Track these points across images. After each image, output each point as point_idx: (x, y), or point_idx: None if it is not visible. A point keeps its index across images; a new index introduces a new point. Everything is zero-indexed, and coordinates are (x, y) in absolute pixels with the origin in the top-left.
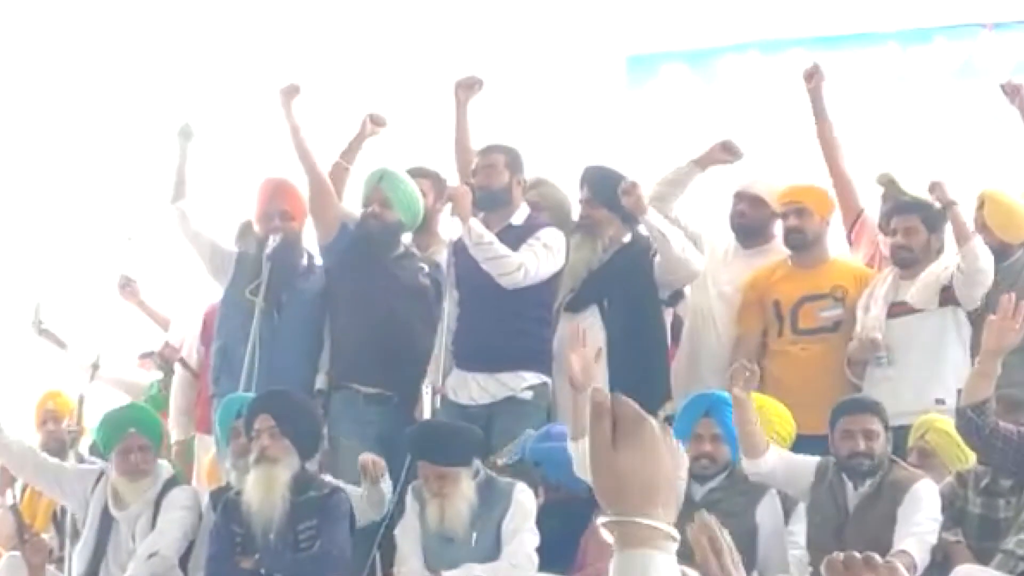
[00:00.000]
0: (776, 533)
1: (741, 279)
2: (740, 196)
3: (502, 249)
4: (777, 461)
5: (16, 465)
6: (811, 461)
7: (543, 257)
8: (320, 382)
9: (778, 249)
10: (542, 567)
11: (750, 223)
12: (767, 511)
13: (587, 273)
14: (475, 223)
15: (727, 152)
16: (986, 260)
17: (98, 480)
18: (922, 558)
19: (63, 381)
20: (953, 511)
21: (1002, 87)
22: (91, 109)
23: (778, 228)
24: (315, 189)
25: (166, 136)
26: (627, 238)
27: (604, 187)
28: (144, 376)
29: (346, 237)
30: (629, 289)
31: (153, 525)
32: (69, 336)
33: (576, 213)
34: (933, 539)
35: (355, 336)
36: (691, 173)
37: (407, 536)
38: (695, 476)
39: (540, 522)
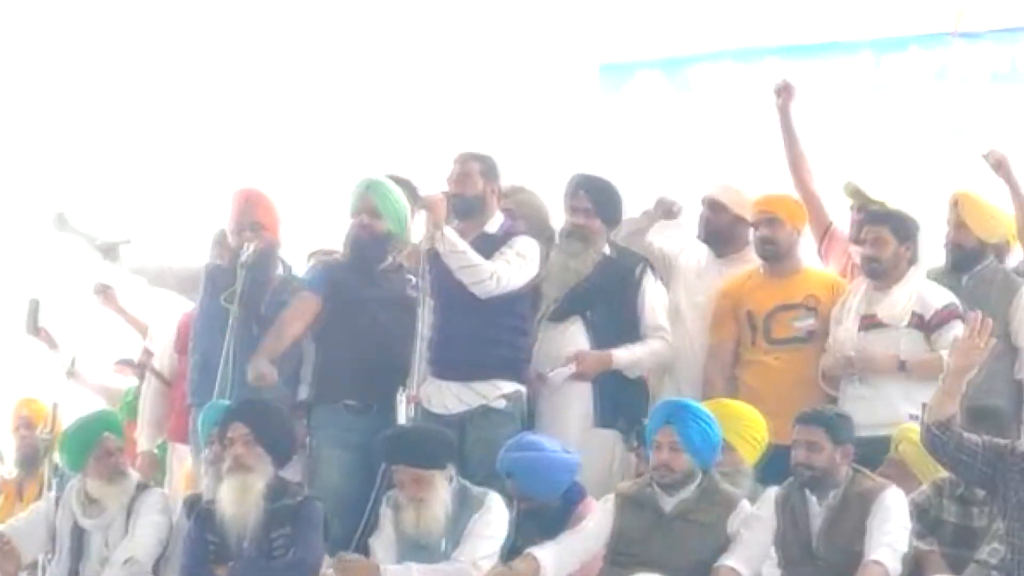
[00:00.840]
0: None
1: (714, 289)
2: (703, 202)
3: (475, 258)
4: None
5: None
6: (765, 506)
7: (517, 266)
8: (303, 393)
9: (750, 258)
10: None
11: (713, 229)
12: (740, 522)
13: (574, 284)
14: (449, 231)
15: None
16: None
17: (57, 504)
18: (894, 567)
19: (38, 387)
20: (928, 520)
21: (985, 157)
22: (77, 115)
23: (751, 236)
24: None
25: (156, 136)
26: (607, 250)
27: (604, 200)
28: (121, 382)
29: (324, 279)
30: (612, 302)
31: (127, 530)
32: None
33: (563, 219)
34: (904, 547)
35: (342, 349)
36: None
37: (381, 544)
38: (662, 486)
39: (515, 532)
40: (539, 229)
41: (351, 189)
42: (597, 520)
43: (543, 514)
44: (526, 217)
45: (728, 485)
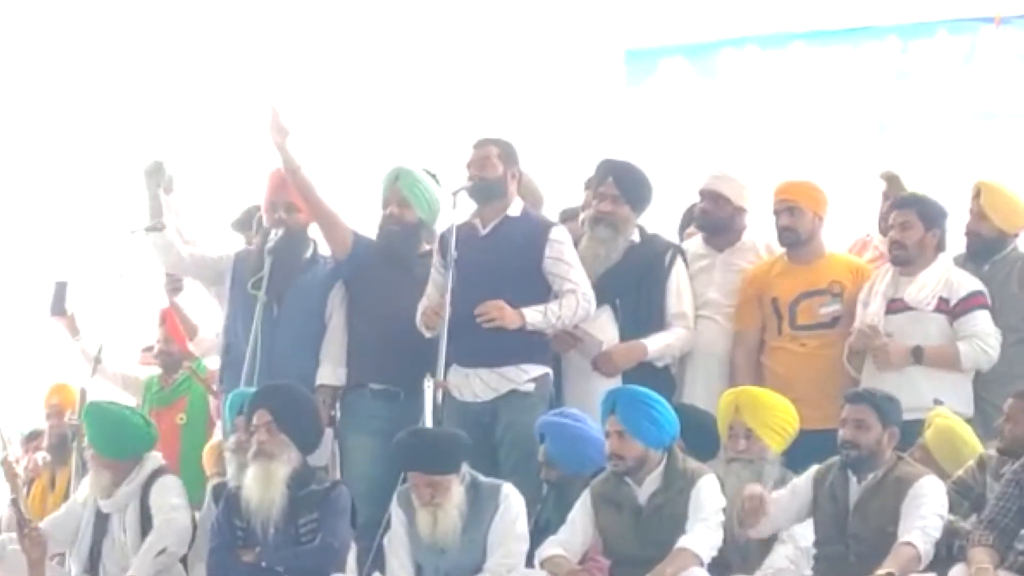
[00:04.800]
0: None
1: (723, 282)
2: (702, 194)
3: (571, 313)
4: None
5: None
6: (805, 479)
7: (582, 276)
8: (322, 377)
9: (751, 245)
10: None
11: (713, 220)
12: (699, 495)
13: (603, 271)
14: (529, 315)
15: None
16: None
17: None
18: (926, 550)
19: (66, 373)
20: (973, 497)
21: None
22: (94, 105)
23: (747, 225)
24: (323, 221)
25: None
26: (636, 237)
27: (632, 186)
28: (143, 371)
29: (362, 245)
30: (641, 289)
31: (142, 515)
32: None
33: (594, 204)
34: (937, 533)
35: (374, 336)
36: None
37: (395, 552)
38: (622, 475)
39: (542, 506)
40: (537, 208)
41: (380, 179)
42: (582, 516)
43: (571, 489)
44: (522, 198)
45: (693, 461)
